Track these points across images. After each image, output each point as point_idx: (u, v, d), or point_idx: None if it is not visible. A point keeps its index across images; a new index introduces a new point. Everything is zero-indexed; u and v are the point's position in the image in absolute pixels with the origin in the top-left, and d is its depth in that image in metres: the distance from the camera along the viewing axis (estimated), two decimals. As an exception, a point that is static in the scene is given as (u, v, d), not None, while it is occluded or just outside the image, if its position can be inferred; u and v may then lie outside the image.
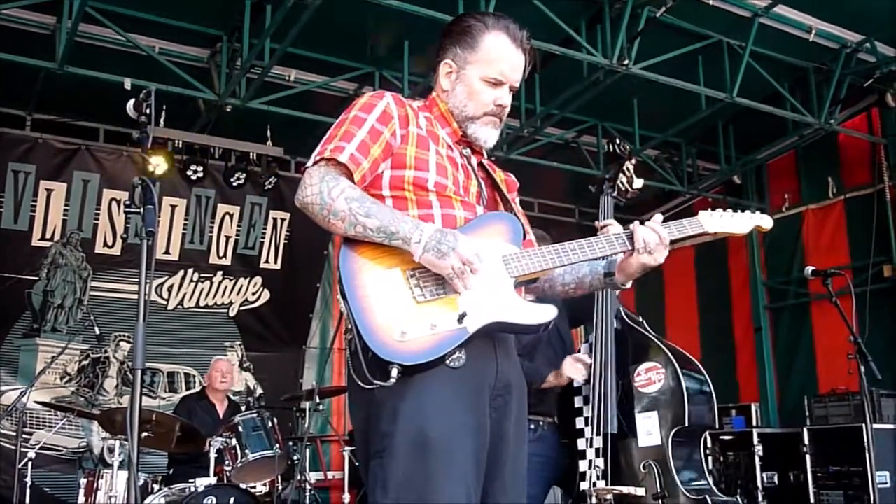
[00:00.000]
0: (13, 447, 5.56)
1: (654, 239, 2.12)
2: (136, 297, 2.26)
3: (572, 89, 6.73)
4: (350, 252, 1.95)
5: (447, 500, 1.83)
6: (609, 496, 3.13)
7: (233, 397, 6.66)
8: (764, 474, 6.93)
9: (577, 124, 7.92)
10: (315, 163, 1.97)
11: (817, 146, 8.06)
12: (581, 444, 3.28)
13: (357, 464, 5.50)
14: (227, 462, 5.16)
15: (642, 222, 2.15)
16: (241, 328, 7.93)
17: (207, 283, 7.81)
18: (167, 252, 7.59)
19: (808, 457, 6.63)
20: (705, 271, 9.19)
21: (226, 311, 7.88)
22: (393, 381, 1.82)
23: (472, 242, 1.94)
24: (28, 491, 5.07)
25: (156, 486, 5.06)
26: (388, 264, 1.94)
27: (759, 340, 8.65)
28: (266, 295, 8.06)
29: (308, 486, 5.77)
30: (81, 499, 5.10)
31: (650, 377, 3.27)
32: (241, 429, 5.23)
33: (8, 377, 6.84)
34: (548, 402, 3.47)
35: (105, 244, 7.34)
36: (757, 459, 6.94)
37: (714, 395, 3.29)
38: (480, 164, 2.25)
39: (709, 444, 7.17)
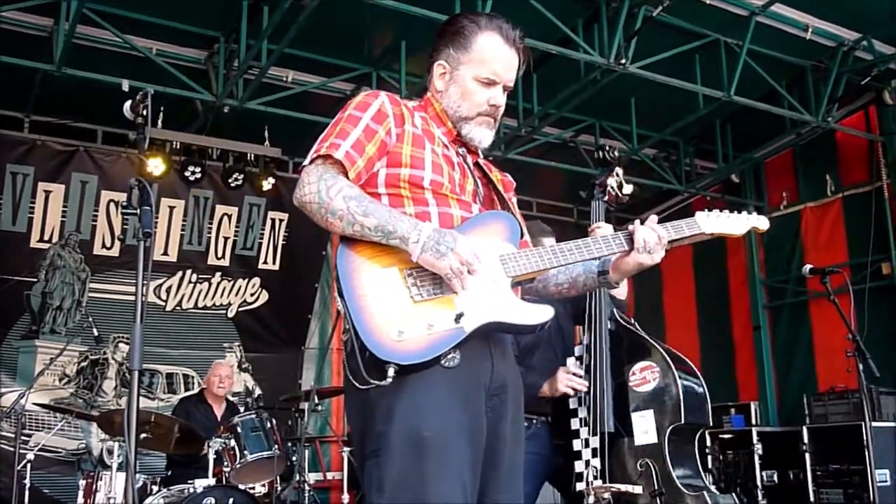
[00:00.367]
0: (12, 449, 5.56)
1: (654, 239, 2.13)
2: (134, 298, 2.26)
3: (570, 89, 6.74)
4: (348, 251, 1.95)
5: (443, 499, 1.83)
6: (607, 494, 3.14)
7: (231, 398, 6.65)
8: (763, 473, 6.94)
9: (574, 124, 7.92)
10: (311, 161, 1.97)
11: (815, 144, 8.08)
12: (576, 444, 3.29)
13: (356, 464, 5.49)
14: (225, 463, 5.15)
15: (642, 221, 2.16)
16: (240, 329, 7.94)
17: (206, 284, 7.81)
18: (165, 253, 7.60)
19: (807, 455, 6.64)
20: (704, 270, 9.19)
21: (224, 311, 7.89)
22: (389, 380, 1.81)
23: (470, 242, 1.93)
24: (27, 493, 5.06)
25: (154, 488, 5.05)
26: (385, 263, 1.94)
27: (758, 339, 8.66)
28: (264, 296, 8.07)
29: (307, 487, 5.77)
30: (80, 500, 5.11)
31: (644, 376, 3.28)
32: (239, 430, 5.22)
33: (7, 379, 6.85)
34: (542, 401, 3.48)
35: (103, 245, 7.35)
36: (756, 458, 6.95)
37: (708, 393, 3.31)
38: (476, 164, 2.24)
39: (708, 443, 7.18)
